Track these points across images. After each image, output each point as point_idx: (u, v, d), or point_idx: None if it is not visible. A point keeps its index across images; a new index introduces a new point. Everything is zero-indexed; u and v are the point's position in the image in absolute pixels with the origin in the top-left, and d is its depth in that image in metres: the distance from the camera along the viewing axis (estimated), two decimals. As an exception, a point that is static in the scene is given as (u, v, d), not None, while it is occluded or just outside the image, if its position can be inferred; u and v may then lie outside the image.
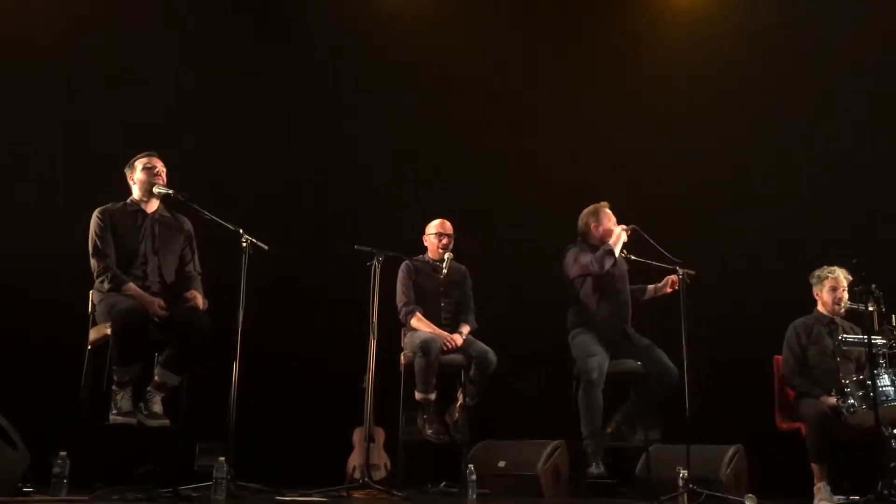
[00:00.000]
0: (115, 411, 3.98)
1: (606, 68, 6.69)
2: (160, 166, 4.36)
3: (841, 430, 4.50)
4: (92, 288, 4.27)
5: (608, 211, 5.12)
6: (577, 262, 5.05)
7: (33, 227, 5.49)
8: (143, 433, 4.07)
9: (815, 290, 5.00)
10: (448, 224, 5.31)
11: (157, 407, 4.09)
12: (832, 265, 4.93)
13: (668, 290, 5.08)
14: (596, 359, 4.77)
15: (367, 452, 4.60)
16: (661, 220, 5.45)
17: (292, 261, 5.62)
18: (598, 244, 5.03)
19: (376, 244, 4.67)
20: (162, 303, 4.08)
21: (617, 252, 4.96)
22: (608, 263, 4.94)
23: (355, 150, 6.52)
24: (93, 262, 4.21)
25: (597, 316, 5.00)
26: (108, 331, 4.00)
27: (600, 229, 5.08)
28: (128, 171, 4.39)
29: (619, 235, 4.98)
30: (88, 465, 3.87)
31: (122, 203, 4.36)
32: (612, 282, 5.04)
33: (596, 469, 4.65)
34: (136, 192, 4.36)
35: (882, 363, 4.33)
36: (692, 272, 4.98)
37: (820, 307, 4.98)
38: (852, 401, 4.37)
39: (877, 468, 4.08)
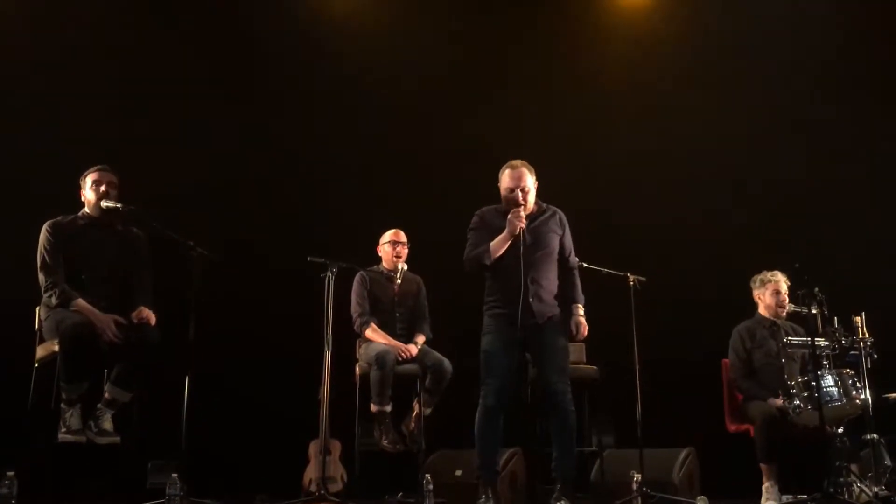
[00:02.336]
0: (63, 430, 3.91)
1: (551, 69, 6.79)
2: (107, 181, 4.28)
3: (788, 431, 4.62)
4: (39, 304, 4.18)
5: (510, 170, 4.25)
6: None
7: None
8: (94, 451, 4.00)
9: (757, 293, 5.12)
10: (402, 233, 5.33)
11: (108, 424, 4.02)
12: (773, 269, 5.06)
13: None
14: None
15: (323, 465, 4.58)
16: (609, 223, 5.53)
17: (244, 273, 5.59)
18: (504, 211, 4.23)
19: (330, 256, 4.67)
20: (114, 322, 3.98)
21: (495, 252, 4.15)
22: (474, 265, 4.24)
23: (306, 161, 6.49)
24: (41, 276, 4.13)
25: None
26: (56, 347, 3.93)
27: (502, 191, 4.30)
28: (81, 184, 4.33)
29: (508, 224, 4.14)
30: (37, 485, 3.78)
31: (72, 216, 4.29)
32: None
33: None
34: (86, 207, 4.30)
35: (826, 364, 4.45)
36: (642, 278, 5.07)
37: (762, 310, 5.11)
38: (798, 402, 4.49)
39: (823, 466, 4.18)
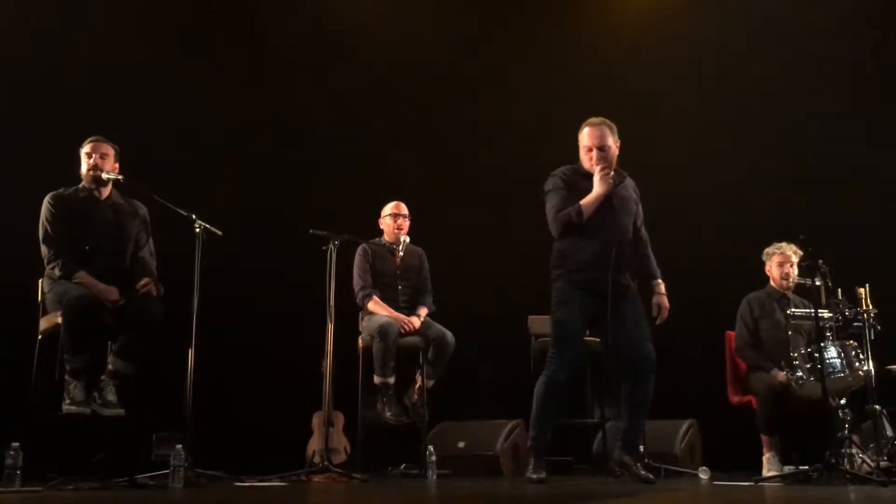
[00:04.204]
0: (67, 401, 3.92)
1: (551, 47, 6.75)
2: (100, 152, 4.23)
3: (790, 403, 4.63)
4: (42, 276, 4.18)
5: (590, 128, 4.04)
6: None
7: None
8: (98, 422, 4.01)
9: (767, 265, 5.12)
10: (403, 206, 5.32)
11: (112, 396, 4.03)
12: (780, 241, 5.04)
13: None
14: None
15: (327, 437, 4.60)
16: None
17: (247, 246, 5.58)
18: (584, 172, 4.06)
19: (332, 228, 4.66)
20: (116, 292, 4.01)
21: (587, 212, 3.96)
22: (574, 220, 3.98)
23: (310, 134, 6.47)
24: (43, 248, 4.13)
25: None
26: (60, 319, 3.93)
27: (581, 150, 4.10)
28: (80, 155, 4.30)
29: (600, 184, 3.95)
30: (42, 456, 3.80)
31: (73, 188, 4.27)
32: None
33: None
34: (85, 179, 4.28)
35: (829, 336, 4.45)
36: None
37: (772, 282, 5.10)
38: (800, 373, 4.49)
39: (824, 438, 4.19)
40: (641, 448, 4.63)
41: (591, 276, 3.95)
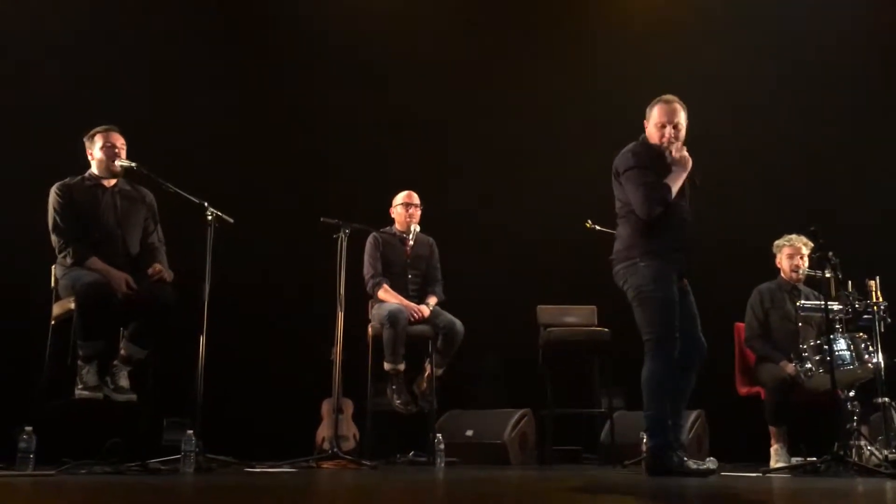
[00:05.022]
0: (80, 386, 3.95)
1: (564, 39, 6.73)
2: (119, 143, 4.26)
3: (798, 394, 4.63)
4: (55, 262, 4.21)
5: (663, 105, 3.93)
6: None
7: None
8: (110, 408, 4.05)
9: (777, 257, 5.11)
10: (415, 195, 5.32)
11: (124, 381, 4.07)
12: (790, 233, 5.03)
13: None
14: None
15: (336, 424, 4.63)
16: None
17: (258, 234, 5.60)
18: (657, 149, 3.91)
19: (343, 216, 4.67)
20: (130, 279, 4.02)
21: (674, 190, 3.84)
22: (669, 198, 3.83)
23: (322, 122, 6.47)
24: (53, 238, 4.15)
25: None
26: (72, 305, 3.96)
27: (648, 128, 3.99)
28: (87, 143, 4.31)
29: (681, 162, 3.87)
30: (55, 441, 3.84)
31: (80, 177, 4.28)
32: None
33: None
34: (94, 168, 4.29)
35: (839, 328, 4.44)
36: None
37: (782, 274, 5.09)
38: (809, 365, 4.49)
39: (833, 430, 4.19)
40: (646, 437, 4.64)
41: (678, 258, 3.88)
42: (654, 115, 3.93)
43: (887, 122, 6.19)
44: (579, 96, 6.53)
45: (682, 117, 3.93)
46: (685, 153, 3.88)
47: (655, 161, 3.89)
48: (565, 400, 5.44)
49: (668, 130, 3.88)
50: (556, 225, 6.11)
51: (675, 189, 3.83)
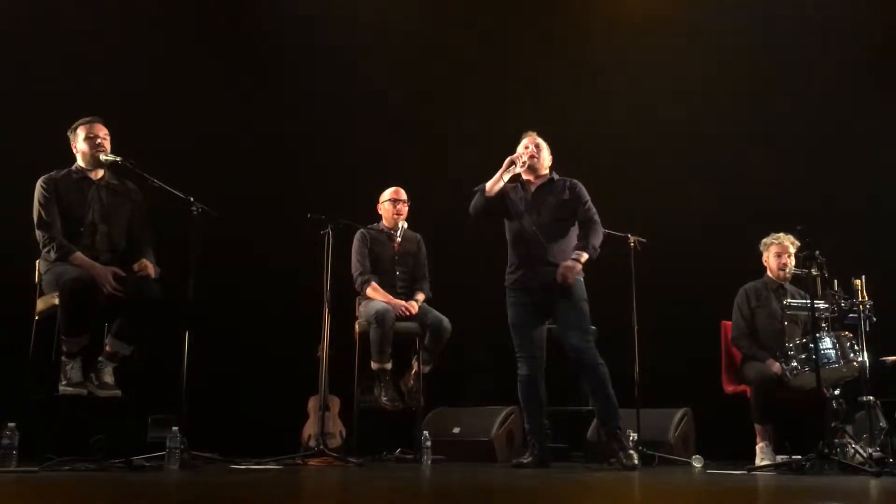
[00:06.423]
0: (64, 382, 3.92)
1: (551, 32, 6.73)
2: (102, 134, 4.22)
3: (784, 393, 4.64)
4: (38, 257, 4.17)
5: (526, 137, 4.60)
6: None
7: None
8: (94, 404, 4.02)
9: (764, 256, 5.13)
10: (402, 191, 5.31)
11: (109, 377, 4.03)
12: (777, 232, 5.05)
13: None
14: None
15: (322, 421, 4.62)
16: (611, 186, 5.50)
17: (244, 229, 5.58)
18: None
19: (329, 213, 4.65)
20: (117, 271, 3.98)
21: (490, 187, 4.46)
22: (474, 207, 4.52)
23: (308, 118, 6.45)
24: (38, 232, 4.10)
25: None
26: (56, 301, 3.93)
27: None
28: (71, 137, 4.26)
29: (504, 166, 4.45)
30: (38, 437, 3.81)
31: (66, 170, 4.23)
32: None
33: None
34: (80, 160, 4.25)
35: (824, 327, 4.46)
36: (643, 240, 5.06)
37: (769, 273, 5.11)
38: (795, 363, 4.51)
39: (818, 428, 4.21)
40: (633, 435, 4.66)
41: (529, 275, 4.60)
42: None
43: (873, 121, 6.21)
44: (579, 96, 6.53)
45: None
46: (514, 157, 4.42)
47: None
48: (552, 398, 5.43)
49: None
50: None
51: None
